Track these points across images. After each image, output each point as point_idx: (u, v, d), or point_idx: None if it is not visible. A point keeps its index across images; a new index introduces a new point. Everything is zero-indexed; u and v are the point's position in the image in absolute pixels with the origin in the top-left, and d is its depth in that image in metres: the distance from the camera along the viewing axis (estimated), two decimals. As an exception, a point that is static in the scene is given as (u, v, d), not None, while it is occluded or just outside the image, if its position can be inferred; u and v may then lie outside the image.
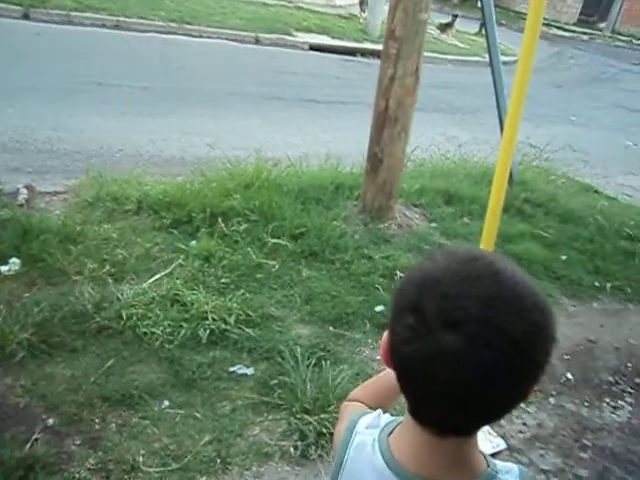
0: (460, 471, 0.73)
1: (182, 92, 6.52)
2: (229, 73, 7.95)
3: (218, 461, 1.90)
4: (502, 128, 3.88)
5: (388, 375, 0.98)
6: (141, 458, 1.87)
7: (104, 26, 9.05)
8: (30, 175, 3.99)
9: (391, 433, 0.79)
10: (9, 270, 2.73)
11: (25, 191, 3.61)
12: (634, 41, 24.55)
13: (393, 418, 0.84)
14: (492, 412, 0.69)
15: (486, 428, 0.84)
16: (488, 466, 0.75)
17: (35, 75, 5.99)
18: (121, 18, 9.29)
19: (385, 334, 0.75)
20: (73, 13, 8.90)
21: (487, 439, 0.88)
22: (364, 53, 10.87)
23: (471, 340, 0.61)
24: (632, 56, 18.81)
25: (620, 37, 25.17)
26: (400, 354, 0.68)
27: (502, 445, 0.92)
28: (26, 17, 8.52)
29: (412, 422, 0.73)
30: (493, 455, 0.93)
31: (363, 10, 12.93)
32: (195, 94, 6.57)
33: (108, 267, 2.80)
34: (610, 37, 24.91)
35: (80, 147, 4.61)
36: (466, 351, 0.61)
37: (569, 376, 2.67)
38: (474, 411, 0.67)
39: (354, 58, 10.67)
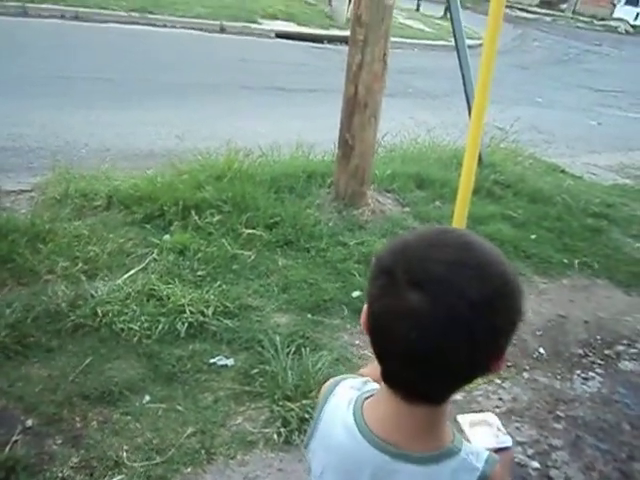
0: (423, 441, 0.75)
1: (147, 83, 6.40)
2: (195, 63, 7.82)
3: (203, 452, 1.91)
4: (470, 111, 3.93)
5: None
6: (125, 454, 1.87)
7: (63, 17, 8.80)
8: (-7, 174, 3.87)
9: (369, 398, 0.82)
10: (-23, 272, 2.66)
11: (-11, 191, 3.52)
12: (595, 22, 25.01)
13: (379, 387, 0.86)
14: (451, 376, 0.70)
15: (496, 423, 0.87)
16: (452, 442, 0.77)
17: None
18: (80, 9, 9.04)
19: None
20: (29, 5, 8.62)
21: (494, 434, 0.90)
22: (331, 40, 10.84)
23: (432, 299, 0.64)
24: (593, 37, 19.19)
25: (581, 18, 25.61)
26: (371, 313, 0.72)
27: (508, 442, 0.94)
28: (-21, 10, 8.23)
29: (384, 387, 0.76)
30: (497, 451, 0.94)
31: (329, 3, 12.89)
32: (161, 85, 6.46)
33: (80, 264, 2.76)
34: (572, 18, 25.33)
35: (44, 143, 4.50)
36: (427, 309, 0.64)
37: (541, 351, 2.76)
38: (433, 372, 0.68)
39: (321, 45, 10.62)
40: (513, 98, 8.25)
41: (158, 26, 9.50)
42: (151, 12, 9.69)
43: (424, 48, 12.40)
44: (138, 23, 9.36)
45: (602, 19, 26.19)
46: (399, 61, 8.74)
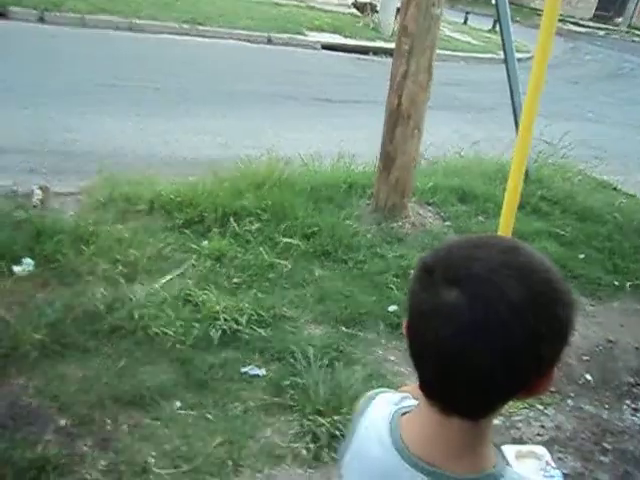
0: (461, 461, 0.70)
1: (195, 93, 6.53)
2: (242, 73, 7.95)
3: (230, 463, 1.88)
4: (517, 125, 3.81)
5: None
6: (152, 460, 1.86)
7: (118, 28, 9.10)
8: (44, 176, 4.00)
9: (406, 414, 0.79)
10: (23, 270, 2.74)
11: (39, 192, 3.64)
12: (652, 36, 24.10)
13: (417, 403, 0.82)
14: (487, 384, 0.65)
15: (546, 456, 0.81)
16: (494, 467, 0.71)
17: (50, 77, 6.05)
18: (134, 20, 9.34)
19: None
20: (87, 16, 8.97)
21: (542, 468, 0.84)
22: (377, 52, 10.82)
23: (470, 297, 0.62)
24: (650, 51, 18.48)
25: (637, 32, 24.76)
26: (408, 311, 0.69)
27: (558, 477, 0.86)
28: (41, 20, 8.61)
29: (422, 399, 0.72)
30: None
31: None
32: (208, 94, 6.57)
33: (120, 267, 2.80)
34: (627, 32, 24.54)
35: (94, 148, 4.63)
36: (463, 307, 0.61)
37: (588, 377, 2.61)
38: (467, 378, 0.64)
39: (367, 57, 10.61)
40: (563, 113, 8.00)
41: (207, 37, 9.71)
42: (201, 24, 9.92)
43: (471, 61, 12.22)
44: (188, 34, 9.59)
45: (660, 33, 25.18)
46: (445, 73, 8.64)
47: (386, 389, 0.90)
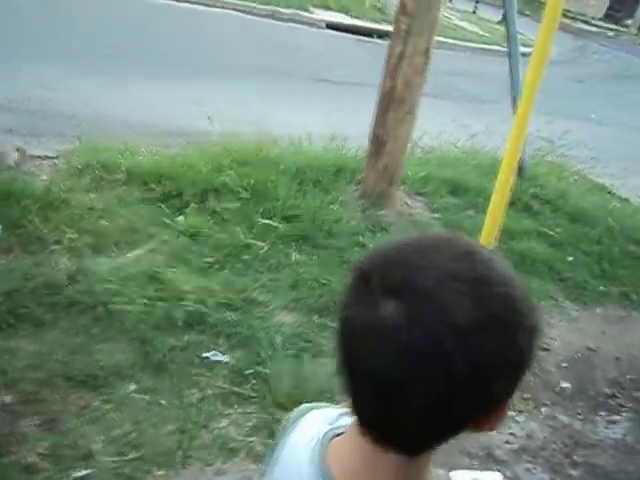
0: None
1: (190, 62, 6.33)
2: (242, 46, 7.73)
3: (179, 454, 1.78)
4: (515, 118, 3.69)
5: None
6: (97, 445, 1.75)
7: (116, -10, 8.83)
8: (24, 137, 3.85)
9: (339, 435, 0.67)
10: (-14, 235, 2.61)
11: (15, 154, 3.48)
12: (661, 40, 23.86)
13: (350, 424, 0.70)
14: (423, 419, 0.54)
15: None
16: None
17: (36, 35, 5.81)
18: (133, -18, 9.04)
19: None
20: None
21: None
22: (381, 35, 10.58)
23: (408, 313, 0.51)
24: (658, 55, 18.28)
25: (647, 35, 24.49)
26: (338, 323, 0.58)
27: None
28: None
29: (354, 424, 0.61)
30: None
31: None
32: (204, 65, 6.38)
33: (88, 238, 2.67)
34: (636, 34, 24.29)
35: (77, 112, 4.46)
36: (399, 324, 0.51)
37: (564, 385, 2.53)
38: (401, 410, 0.53)
39: (371, 39, 10.39)
40: (565, 111, 7.86)
41: (208, 5, 9.45)
42: (203, -9, 9.64)
43: (477, 52, 12.00)
44: (189, 1, 9.32)
45: (670, 38, 24.92)
46: (449, 62, 8.45)
47: (326, 404, 0.79)
